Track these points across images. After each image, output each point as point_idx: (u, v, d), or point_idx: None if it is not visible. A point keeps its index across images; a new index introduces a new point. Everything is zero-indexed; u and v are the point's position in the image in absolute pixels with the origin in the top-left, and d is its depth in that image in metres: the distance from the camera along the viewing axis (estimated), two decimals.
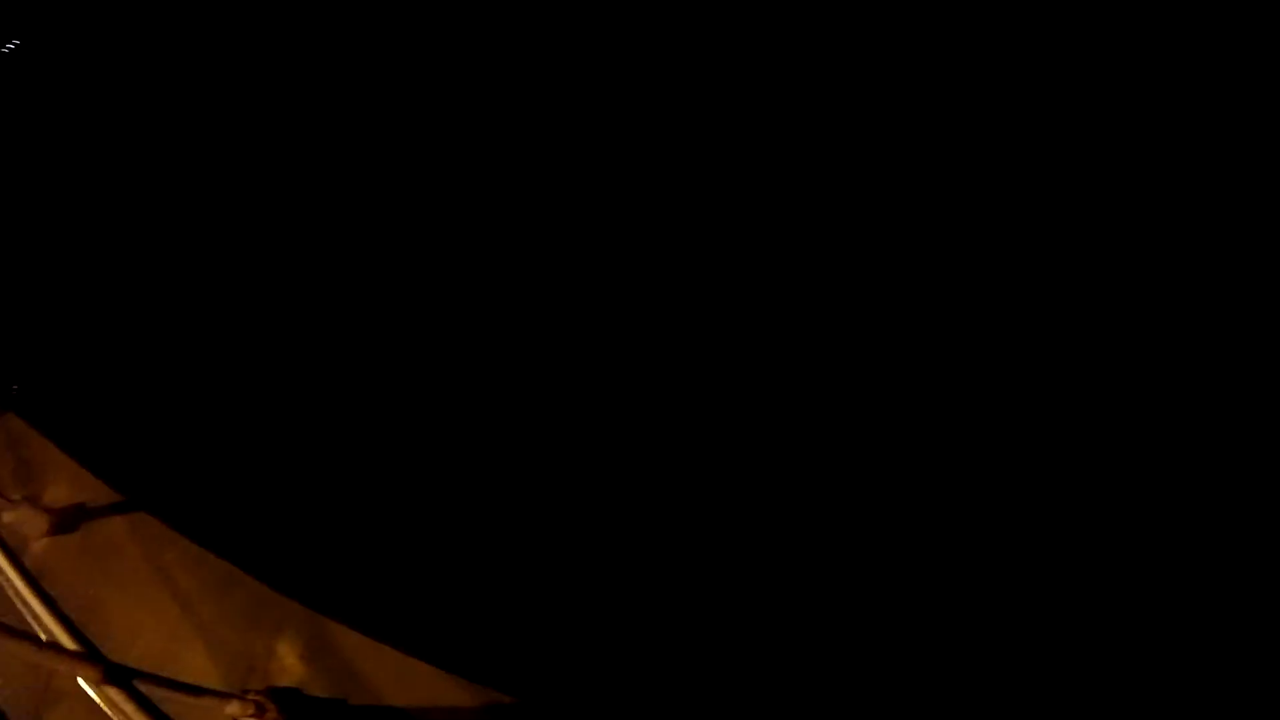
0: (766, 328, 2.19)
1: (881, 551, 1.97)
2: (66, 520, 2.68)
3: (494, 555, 2.17)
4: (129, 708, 1.89)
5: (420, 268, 2.45)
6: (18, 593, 2.40)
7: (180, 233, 2.69)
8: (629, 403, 2.21)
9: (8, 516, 2.69)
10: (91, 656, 2.00)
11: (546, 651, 2.06)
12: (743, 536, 2.05)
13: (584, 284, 2.32)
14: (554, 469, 2.22)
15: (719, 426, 2.14)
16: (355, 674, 2.09)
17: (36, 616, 2.34)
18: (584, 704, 1.99)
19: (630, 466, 2.17)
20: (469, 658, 2.03)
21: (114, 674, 1.91)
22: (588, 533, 2.14)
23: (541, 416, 2.26)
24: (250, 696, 2.08)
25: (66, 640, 2.17)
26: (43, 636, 2.29)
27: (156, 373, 2.65)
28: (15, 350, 2.86)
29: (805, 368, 2.12)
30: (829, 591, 1.91)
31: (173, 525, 2.43)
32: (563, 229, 2.37)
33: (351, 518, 2.27)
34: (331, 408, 2.41)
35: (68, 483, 2.72)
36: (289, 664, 2.16)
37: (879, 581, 1.92)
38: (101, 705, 2.15)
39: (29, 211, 3.13)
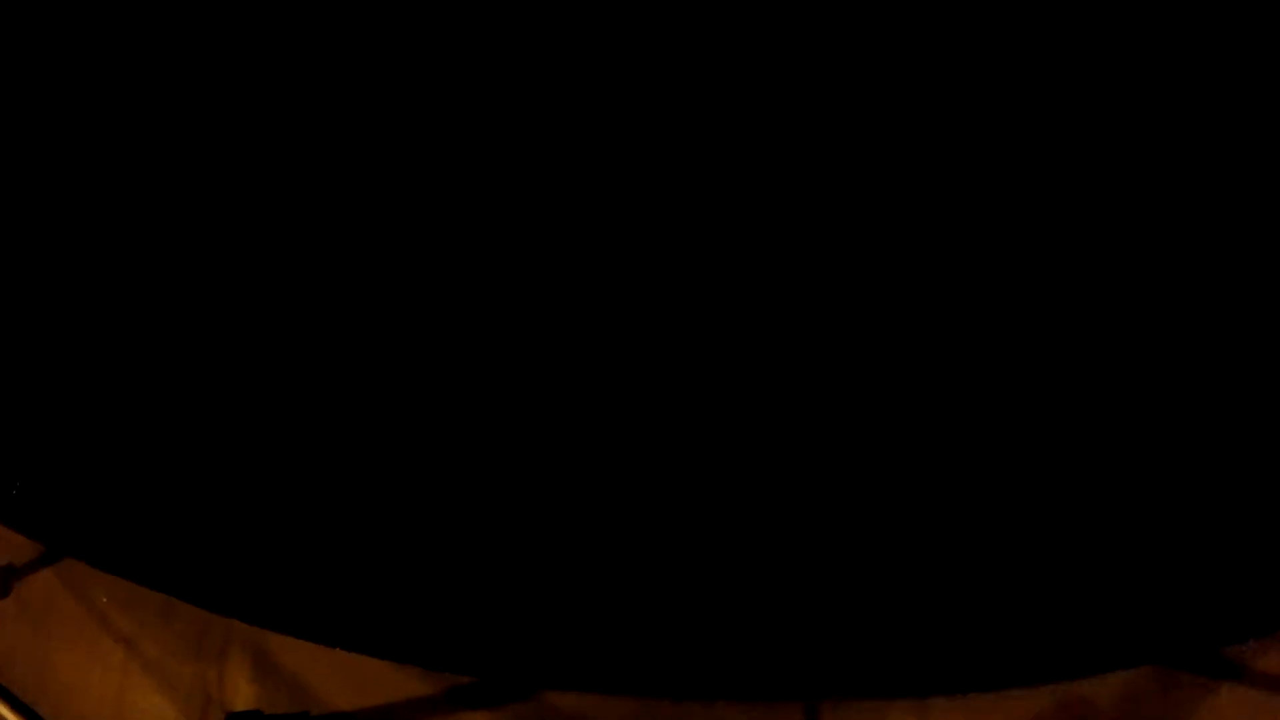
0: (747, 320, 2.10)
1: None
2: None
3: (431, 541, 2.09)
4: None
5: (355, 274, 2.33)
6: None
7: (68, 234, 2.55)
8: (564, 388, 2.12)
9: None
10: None
11: (499, 629, 2.00)
12: (694, 510, 1.99)
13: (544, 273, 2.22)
14: (490, 449, 2.13)
15: (666, 409, 2.06)
16: (310, 684, 2.04)
17: None
18: (545, 675, 1.94)
19: (575, 443, 2.09)
20: (419, 647, 1.96)
21: None
22: (534, 509, 2.06)
23: (475, 400, 2.17)
24: None
25: (12, 715, 2.10)
26: None
27: (59, 416, 2.52)
28: None
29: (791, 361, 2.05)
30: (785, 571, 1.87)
31: (100, 566, 2.33)
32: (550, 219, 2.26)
33: (277, 523, 2.18)
34: (247, 413, 2.30)
35: None
36: (242, 687, 2.10)
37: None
38: None
39: None
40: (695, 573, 2.08)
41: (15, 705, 2.31)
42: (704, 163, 2.21)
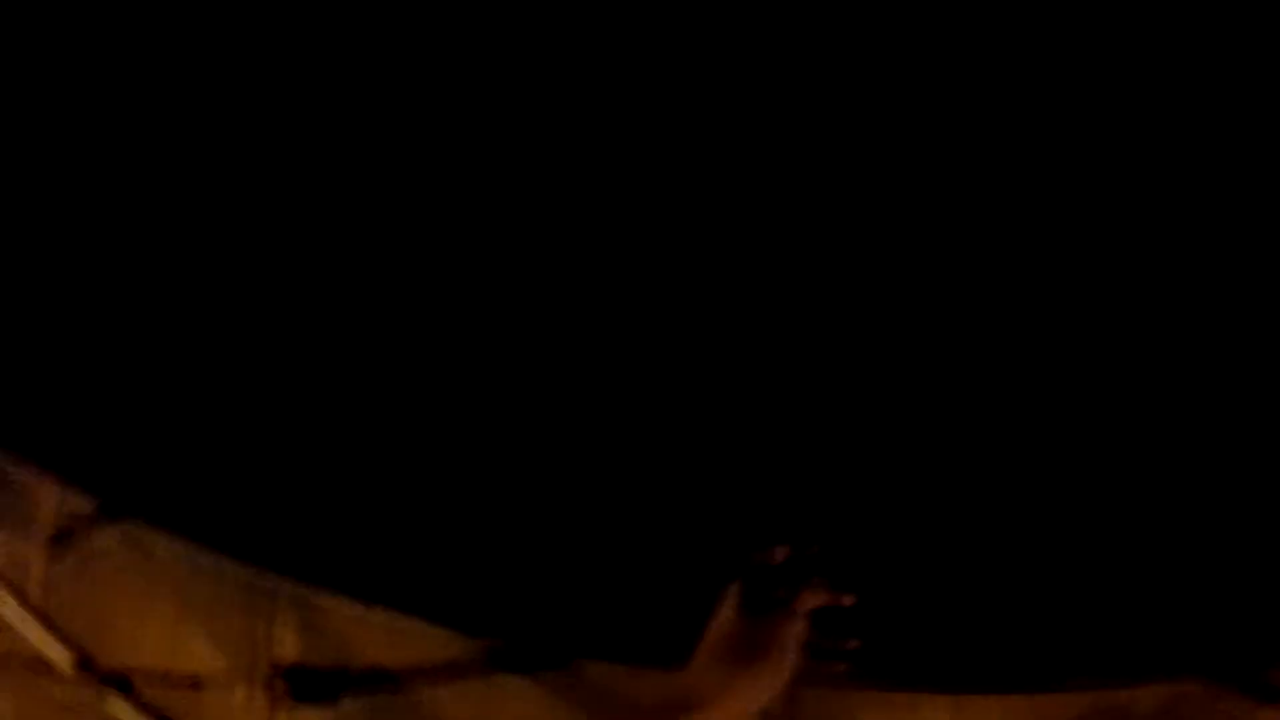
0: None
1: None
2: (60, 538, 2.67)
3: (471, 507, 2.13)
4: (131, 715, 1.91)
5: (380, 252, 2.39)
6: (22, 623, 2.42)
7: (116, 219, 2.63)
8: (601, 358, 2.14)
9: (3, 549, 2.70)
10: (90, 674, 2.02)
11: (534, 594, 2.04)
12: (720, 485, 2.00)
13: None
14: (531, 416, 2.16)
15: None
16: (354, 642, 2.09)
17: (40, 643, 2.36)
18: (579, 640, 1.97)
19: (609, 410, 2.11)
20: (460, 609, 2.01)
21: (112, 684, 1.92)
22: (569, 474, 2.09)
23: (515, 368, 2.20)
24: (257, 678, 2.09)
25: (66, 663, 2.19)
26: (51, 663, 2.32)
27: (122, 384, 2.62)
28: None
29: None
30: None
31: (158, 525, 2.41)
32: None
33: (330, 488, 2.24)
34: (297, 380, 2.37)
35: (54, 504, 2.71)
36: (289, 642, 2.15)
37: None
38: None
39: None
40: (733, 555, 2.10)
41: (74, 652, 2.40)
42: (705, 163, 2.21)
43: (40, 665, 2.01)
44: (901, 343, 2.06)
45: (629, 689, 1.95)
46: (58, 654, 2.34)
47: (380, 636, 2.06)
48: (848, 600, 1.02)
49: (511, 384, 2.22)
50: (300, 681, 2.09)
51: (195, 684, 2.09)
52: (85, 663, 2.26)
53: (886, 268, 2.09)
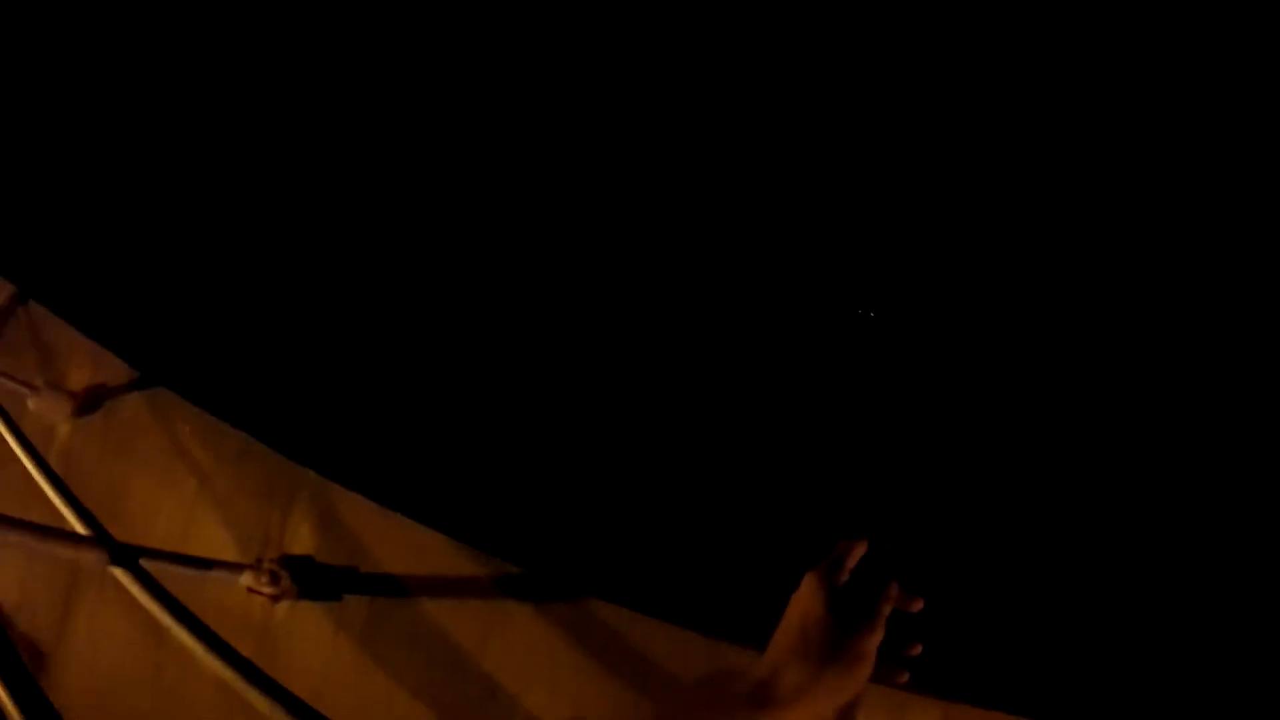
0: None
1: None
2: (89, 402, 2.69)
3: (505, 425, 2.10)
4: (136, 589, 1.91)
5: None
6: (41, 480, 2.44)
7: (185, 108, 2.62)
8: (637, 289, 2.09)
9: (32, 403, 2.71)
10: (100, 540, 2.01)
11: (554, 523, 2.00)
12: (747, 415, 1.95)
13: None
14: (569, 345, 2.12)
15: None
16: (367, 544, 2.07)
17: (55, 502, 2.37)
18: (591, 575, 1.94)
19: (646, 343, 2.07)
20: (477, 528, 1.99)
21: (121, 556, 1.91)
22: (603, 406, 2.05)
23: (555, 294, 2.16)
24: (265, 566, 2.08)
25: (79, 525, 2.19)
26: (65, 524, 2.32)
27: (168, 250, 2.61)
28: (30, 235, 2.84)
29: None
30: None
31: (189, 399, 2.41)
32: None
33: (366, 386, 2.22)
34: (345, 273, 2.34)
35: (89, 365, 2.72)
36: (302, 533, 2.14)
37: None
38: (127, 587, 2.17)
39: (39, 92, 3.08)
40: (762, 522, 2.06)
41: (85, 517, 2.41)
42: (705, 163, 2.15)
43: (51, 531, 2.00)
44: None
45: (635, 636, 1.92)
46: (70, 520, 2.35)
47: (394, 544, 2.04)
48: (917, 606, 0.98)
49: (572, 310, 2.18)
50: (307, 575, 2.08)
51: (203, 565, 2.08)
52: (98, 532, 2.27)
53: (1005, 279, 2.04)
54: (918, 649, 1.01)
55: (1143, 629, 1.81)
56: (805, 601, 0.95)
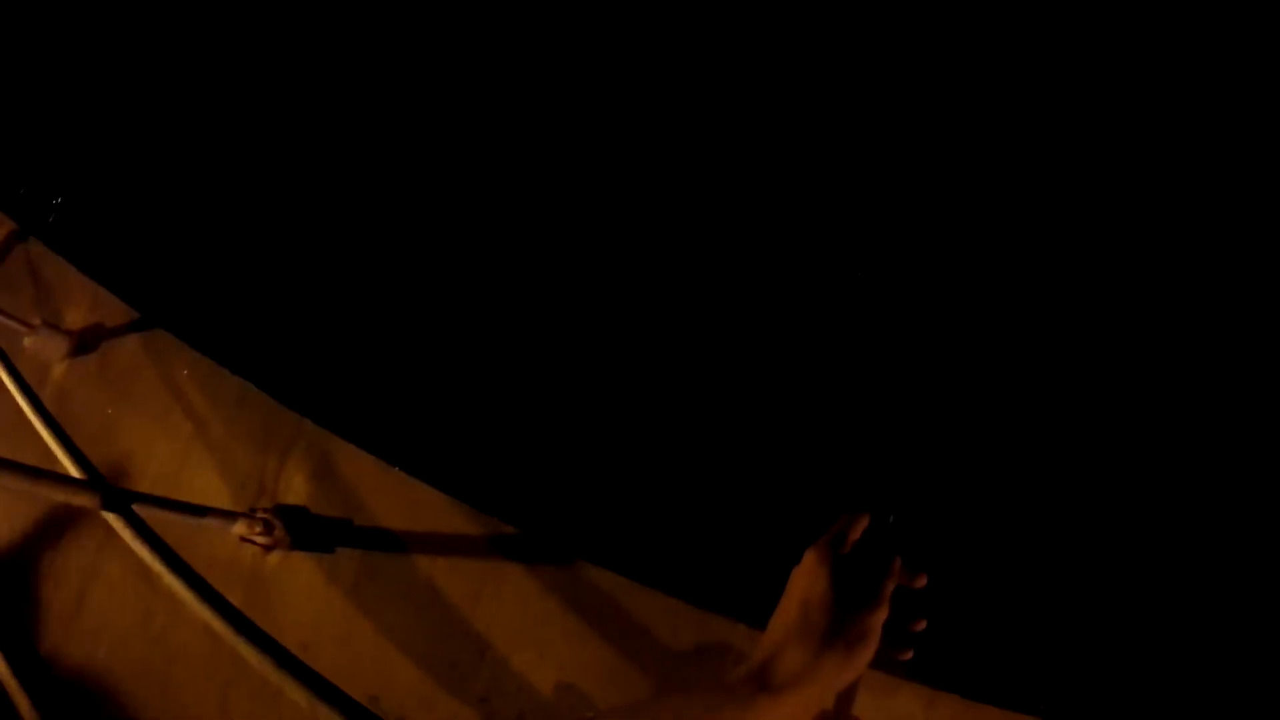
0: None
1: None
2: (86, 342, 2.66)
3: (509, 385, 2.08)
4: (128, 534, 1.88)
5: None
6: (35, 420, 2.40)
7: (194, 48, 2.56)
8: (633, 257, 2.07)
9: (28, 341, 2.68)
10: (92, 484, 1.99)
11: (552, 485, 1.99)
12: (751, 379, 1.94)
13: None
14: (577, 309, 2.10)
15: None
16: (362, 496, 2.05)
17: (48, 442, 2.34)
18: (586, 539, 1.93)
19: (642, 308, 2.04)
20: (476, 486, 1.97)
21: (114, 501, 1.89)
22: (607, 372, 2.03)
23: (563, 262, 2.13)
24: (258, 515, 2.07)
25: (71, 467, 2.16)
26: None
27: (171, 190, 2.57)
28: (31, 172, 2.79)
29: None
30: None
31: (188, 341, 2.38)
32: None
33: (369, 338, 2.19)
34: (354, 225, 2.31)
35: (87, 304, 2.69)
36: (297, 483, 2.13)
37: None
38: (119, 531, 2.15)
39: (44, 31, 3.02)
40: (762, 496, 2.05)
41: (79, 460, 2.38)
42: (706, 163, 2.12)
43: (44, 474, 1.98)
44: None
45: (628, 604, 1.92)
46: (64, 462, 2.32)
47: (390, 498, 2.02)
48: (920, 582, 0.96)
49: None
50: (301, 526, 2.07)
51: (197, 512, 2.06)
52: (92, 476, 2.25)
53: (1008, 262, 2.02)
54: (922, 625, 0.99)
55: (1142, 623, 1.81)
56: (807, 578, 0.92)
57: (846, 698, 0.93)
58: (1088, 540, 1.87)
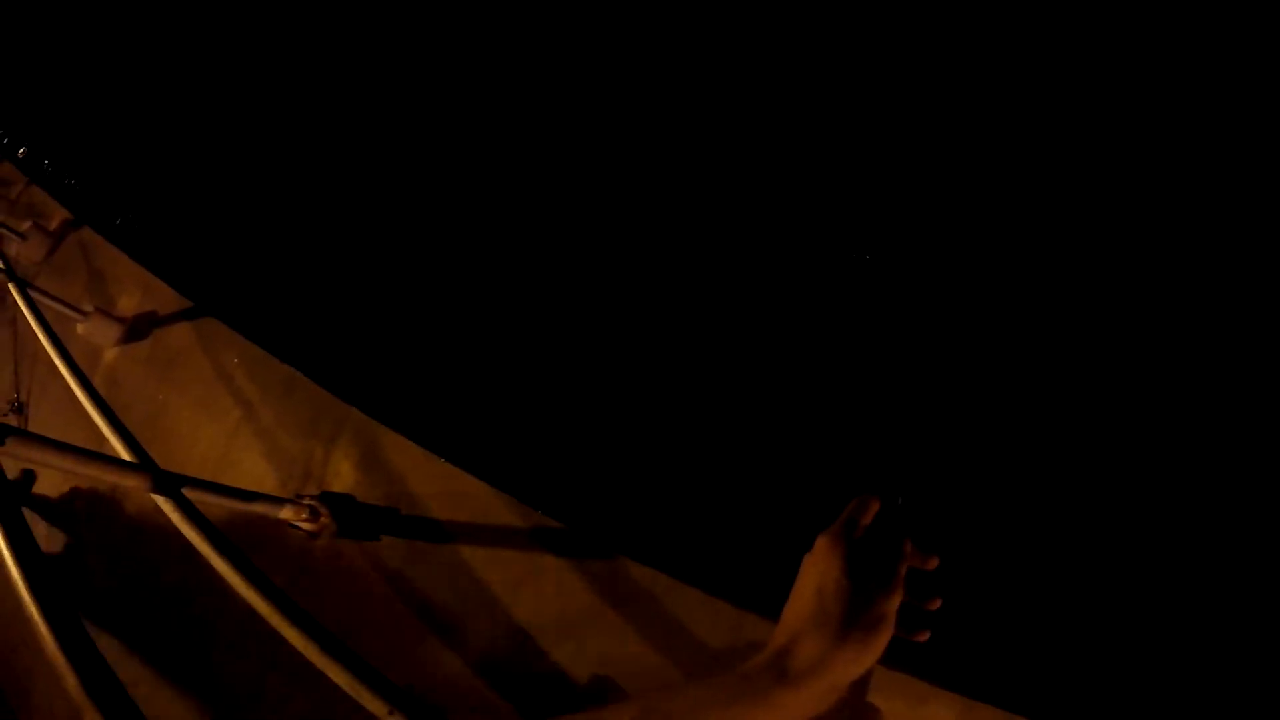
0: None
1: None
2: (137, 328, 2.71)
3: (558, 379, 2.09)
4: (176, 516, 1.91)
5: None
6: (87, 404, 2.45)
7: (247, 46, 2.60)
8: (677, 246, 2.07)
9: (81, 328, 2.74)
10: (143, 466, 2.02)
11: (598, 482, 1.99)
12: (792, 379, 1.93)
13: None
14: (622, 303, 2.10)
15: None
16: (408, 485, 2.07)
17: (100, 425, 2.39)
18: (627, 536, 1.93)
19: (692, 305, 2.04)
20: (521, 479, 1.98)
21: (163, 483, 1.92)
22: (655, 375, 2.03)
23: (608, 247, 2.14)
24: (304, 501, 2.10)
25: (122, 450, 2.20)
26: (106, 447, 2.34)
27: (223, 179, 2.60)
28: (88, 163, 2.84)
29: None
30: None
31: (238, 329, 2.42)
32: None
33: (419, 326, 2.21)
34: (408, 220, 2.33)
35: (139, 292, 2.74)
36: (344, 471, 2.15)
37: None
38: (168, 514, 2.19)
39: (106, 19, 3.07)
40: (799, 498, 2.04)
41: (130, 443, 2.43)
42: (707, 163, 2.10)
43: (97, 456, 2.02)
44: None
45: (667, 599, 1.92)
46: (115, 444, 2.36)
47: (436, 488, 2.04)
48: (932, 564, 0.95)
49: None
50: (347, 513, 2.09)
51: (245, 496, 2.09)
52: (142, 459, 2.29)
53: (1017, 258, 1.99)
54: (937, 603, 0.97)
55: (1159, 630, 1.78)
56: (821, 565, 0.91)
57: (861, 685, 0.92)
58: (1107, 542, 1.84)
